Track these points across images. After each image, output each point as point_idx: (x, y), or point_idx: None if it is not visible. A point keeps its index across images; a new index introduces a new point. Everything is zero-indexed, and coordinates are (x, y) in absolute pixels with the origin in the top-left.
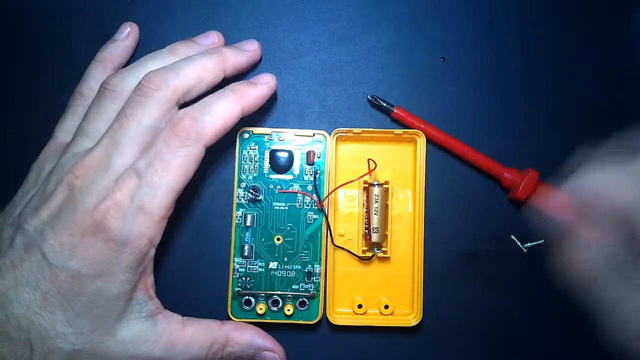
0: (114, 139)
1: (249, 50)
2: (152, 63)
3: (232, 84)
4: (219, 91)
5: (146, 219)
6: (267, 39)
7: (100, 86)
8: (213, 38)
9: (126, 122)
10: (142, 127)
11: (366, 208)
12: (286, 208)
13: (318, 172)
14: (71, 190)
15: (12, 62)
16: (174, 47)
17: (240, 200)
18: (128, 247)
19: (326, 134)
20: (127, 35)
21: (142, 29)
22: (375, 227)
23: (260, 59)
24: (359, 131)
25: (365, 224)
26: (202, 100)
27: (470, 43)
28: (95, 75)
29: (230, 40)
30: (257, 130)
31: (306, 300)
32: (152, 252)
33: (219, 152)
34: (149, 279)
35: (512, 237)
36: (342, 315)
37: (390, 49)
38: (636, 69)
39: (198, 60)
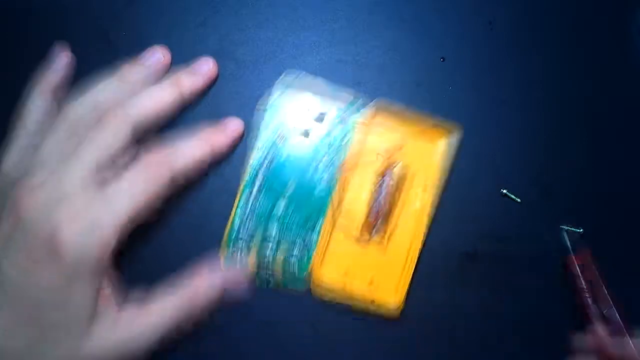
0: (68, 170)
1: (204, 71)
2: (104, 94)
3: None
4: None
5: (100, 240)
6: (267, 39)
7: (58, 117)
8: (158, 56)
9: (83, 153)
10: (99, 161)
11: (378, 192)
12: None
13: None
14: (22, 220)
15: (11, 62)
16: (122, 75)
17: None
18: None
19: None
20: (65, 60)
21: (142, 29)
22: (382, 212)
23: (217, 76)
24: (399, 108)
25: (373, 207)
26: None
27: (470, 43)
28: (38, 105)
29: (231, 40)
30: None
31: (296, 265)
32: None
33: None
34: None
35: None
36: (326, 284)
37: (390, 49)
38: (636, 68)
39: (155, 93)
